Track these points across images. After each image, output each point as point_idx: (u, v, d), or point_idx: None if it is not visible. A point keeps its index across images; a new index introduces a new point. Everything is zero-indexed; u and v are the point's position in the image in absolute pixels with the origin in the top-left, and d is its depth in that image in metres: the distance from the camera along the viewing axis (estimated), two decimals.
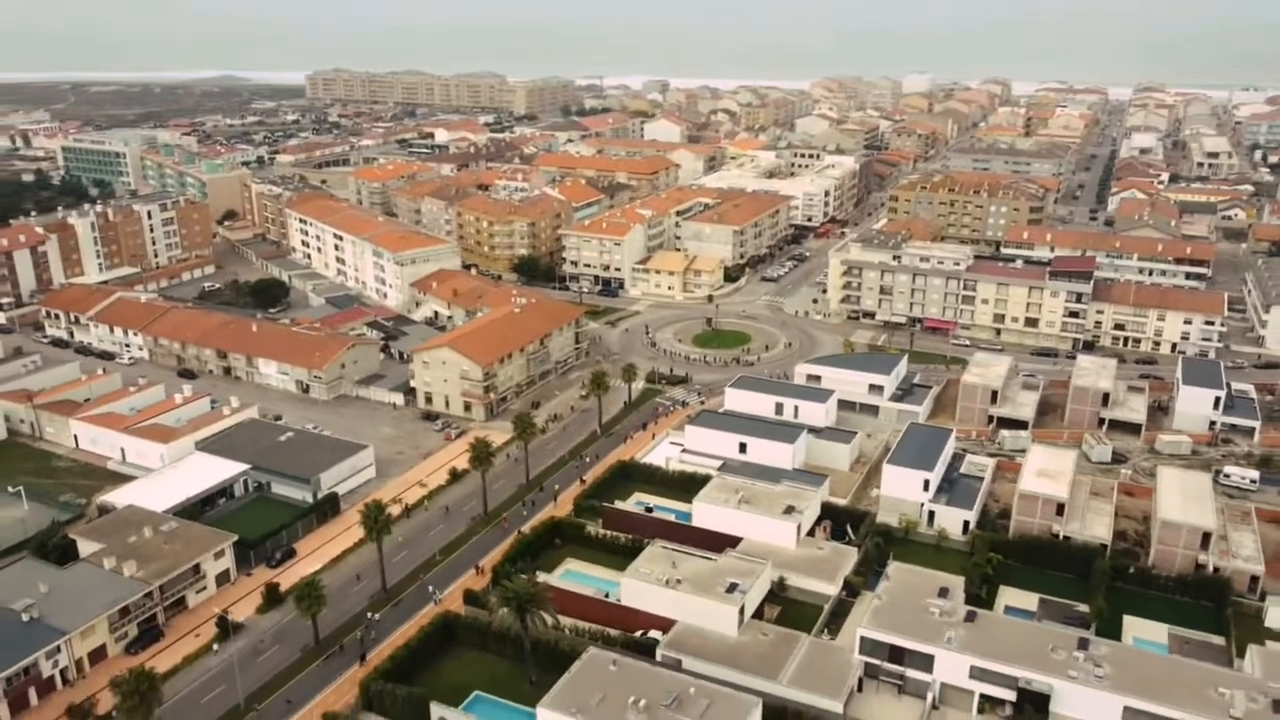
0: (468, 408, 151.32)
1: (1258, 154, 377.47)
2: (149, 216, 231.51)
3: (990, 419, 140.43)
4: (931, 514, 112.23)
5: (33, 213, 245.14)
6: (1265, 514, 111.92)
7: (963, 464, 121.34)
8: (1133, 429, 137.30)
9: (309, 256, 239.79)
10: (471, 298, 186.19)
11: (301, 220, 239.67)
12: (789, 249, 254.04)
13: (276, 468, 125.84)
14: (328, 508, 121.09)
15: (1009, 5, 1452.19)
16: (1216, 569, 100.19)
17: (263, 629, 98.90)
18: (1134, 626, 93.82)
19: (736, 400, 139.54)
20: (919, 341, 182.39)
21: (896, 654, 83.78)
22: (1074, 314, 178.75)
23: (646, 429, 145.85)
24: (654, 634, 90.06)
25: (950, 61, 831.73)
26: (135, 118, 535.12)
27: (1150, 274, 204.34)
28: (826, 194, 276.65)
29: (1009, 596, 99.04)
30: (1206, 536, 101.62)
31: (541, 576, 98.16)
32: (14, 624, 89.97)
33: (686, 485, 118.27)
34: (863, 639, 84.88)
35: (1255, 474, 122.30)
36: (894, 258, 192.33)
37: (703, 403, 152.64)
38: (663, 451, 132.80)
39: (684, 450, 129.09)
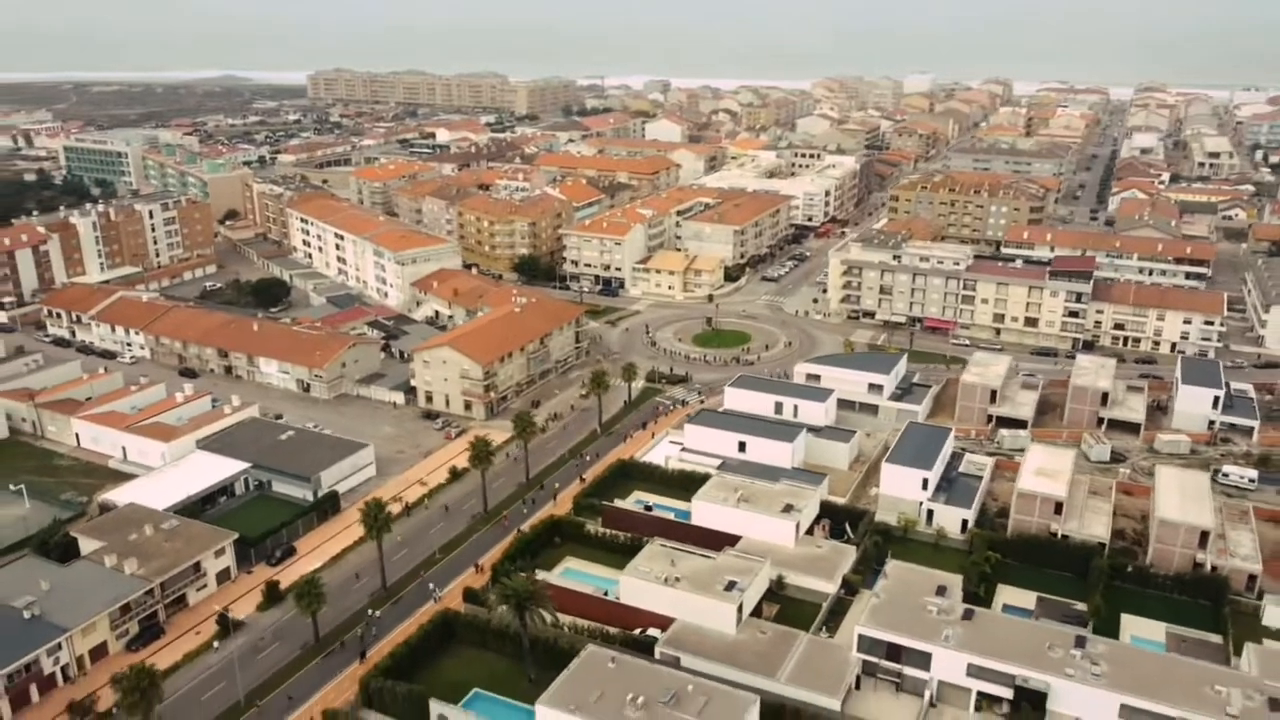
0: (468, 407, 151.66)
1: (1259, 154, 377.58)
2: (150, 216, 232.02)
3: (989, 418, 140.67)
4: (930, 513, 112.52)
5: (35, 212, 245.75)
6: (1263, 513, 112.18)
7: (961, 463, 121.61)
8: (1132, 428, 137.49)
9: (310, 256, 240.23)
10: (472, 297, 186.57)
11: (303, 220, 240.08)
12: (789, 249, 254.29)
13: (277, 466, 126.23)
14: (328, 506, 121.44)
15: (1010, 5, 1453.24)
16: (1214, 568, 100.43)
17: (263, 626, 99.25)
18: (1132, 625, 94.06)
19: (736, 399, 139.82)
20: (919, 341, 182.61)
21: (894, 652, 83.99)
22: (1073, 314, 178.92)
23: (646, 428, 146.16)
24: (653, 632, 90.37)
25: (951, 62, 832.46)
26: (137, 117, 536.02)
27: (1150, 274, 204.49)
28: (827, 194, 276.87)
29: (1007, 595, 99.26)
30: (1204, 535, 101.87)
31: (541, 575, 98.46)
32: (15, 621, 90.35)
33: (686, 484, 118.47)
34: (861, 637, 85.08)
35: (1254, 473, 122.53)
36: (894, 257, 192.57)
37: (702, 402, 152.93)
38: (662, 450, 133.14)
39: (683, 449, 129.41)
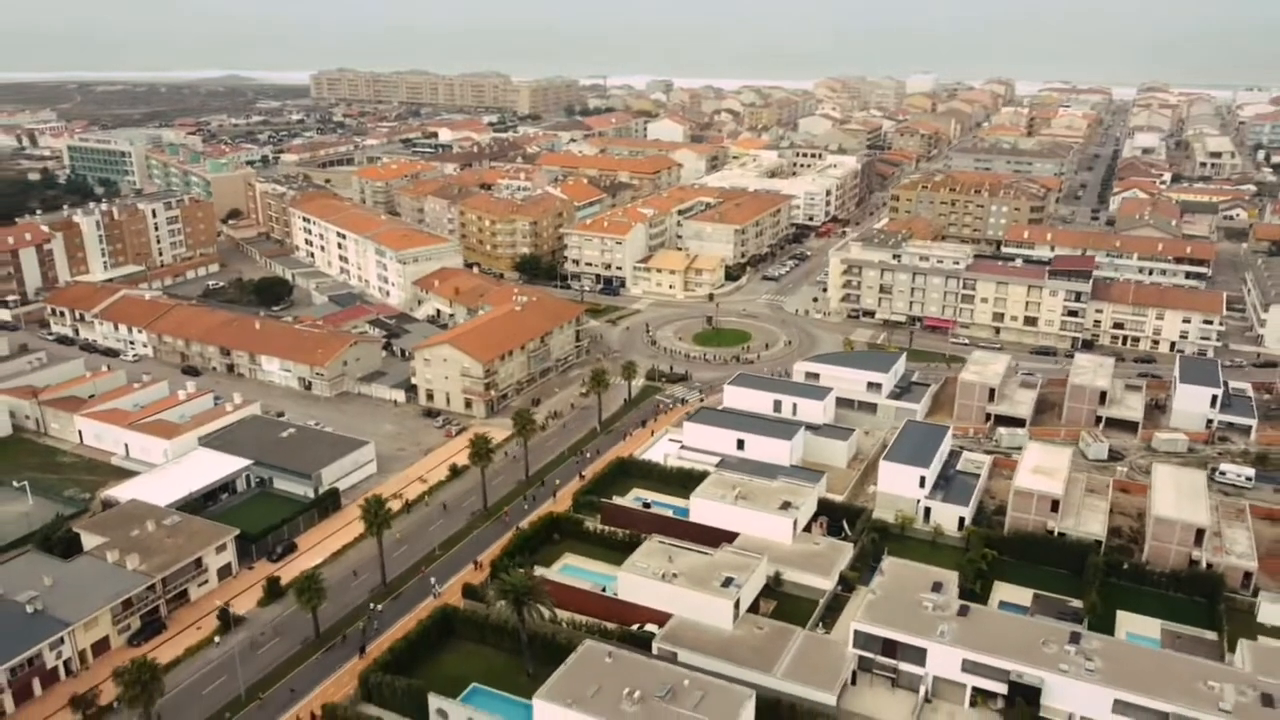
0: (468, 404, 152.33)
1: (1260, 154, 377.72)
2: (154, 215, 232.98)
3: (988, 417, 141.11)
4: (928, 510, 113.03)
5: (39, 211, 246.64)
6: (1260, 511, 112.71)
7: (959, 461, 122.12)
8: (1130, 427, 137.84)
9: (312, 255, 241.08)
10: (473, 296, 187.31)
11: (305, 219, 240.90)
12: (790, 248, 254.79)
13: (278, 463, 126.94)
14: (329, 503, 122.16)
15: (1012, 5, 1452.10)
16: (1210, 565, 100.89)
17: (264, 622, 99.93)
18: (1127, 622, 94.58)
19: (735, 397, 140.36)
20: (918, 340, 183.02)
21: (890, 647, 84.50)
22: (1073, 313, 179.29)
23: (646, 426, 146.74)
24: (651, 627, 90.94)
25: (954, 62, 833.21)
26: (141, 117, 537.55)
27: (1150, 273, 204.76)
28: (828, 193, 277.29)
29: (1004, 592, 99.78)
30: (1200, 533, 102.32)
31: (540, 571, 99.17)
32: (19, 616, 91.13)
33: (685, 481, 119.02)
34: (857, 633, 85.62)
35: (1251, 471, 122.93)
36: (894, 257, 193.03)
37: (702, 400, 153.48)
38: (662, 448, 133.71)
39: (682, 447, 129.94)
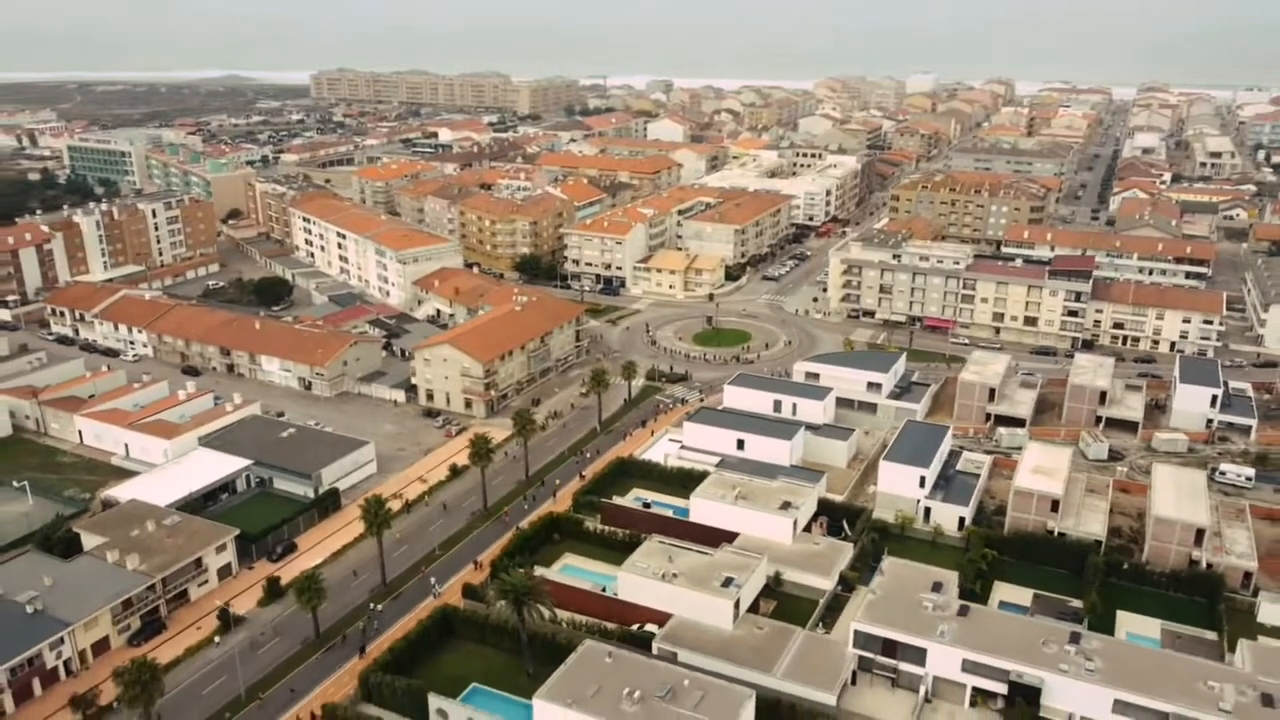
0: (468, 404, 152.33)
1: (1260, 154, 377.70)
2: (154, 215, 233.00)
3: (988, 416, 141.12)
4: (928, 510, 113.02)
5: (39, 211, 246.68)
6: (1259, 511, 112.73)
7: (959, 461, 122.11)
8: (1130, 427, 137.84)
9: (312, 255, 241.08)
10: (473, 296, 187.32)
11: (305, 219, 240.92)
12: (790, 248, 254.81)
13: (278, 463, 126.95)
14: (329, 503, 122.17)
15: (1012, 5, 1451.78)
16: (1210, 565, 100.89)
17: (264, 622, 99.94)
18: (1127, 622, 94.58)
19: (735, 397, 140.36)
20: (918, 340, 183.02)
21: (890, 647, 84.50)
22: (1073, 313, 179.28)
23: (646, 426, 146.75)
24: (650, 627, 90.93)
25: (954, 62, 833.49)
26: (141, 117, 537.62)
27: (1150, 273, 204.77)
28: (828, 193, 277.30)
29: (1004, 592, 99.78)
30: (1200, 533, 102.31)
31: (539, 571, 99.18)
32: (18, 616, 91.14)
33: (685, 481, 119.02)
34: (857, 633, 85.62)
35: (1251, 471, 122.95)
36: (894, 257, 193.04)
37: (702, 400, 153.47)
38: (662, 448, 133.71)
39: (682, 447, 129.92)
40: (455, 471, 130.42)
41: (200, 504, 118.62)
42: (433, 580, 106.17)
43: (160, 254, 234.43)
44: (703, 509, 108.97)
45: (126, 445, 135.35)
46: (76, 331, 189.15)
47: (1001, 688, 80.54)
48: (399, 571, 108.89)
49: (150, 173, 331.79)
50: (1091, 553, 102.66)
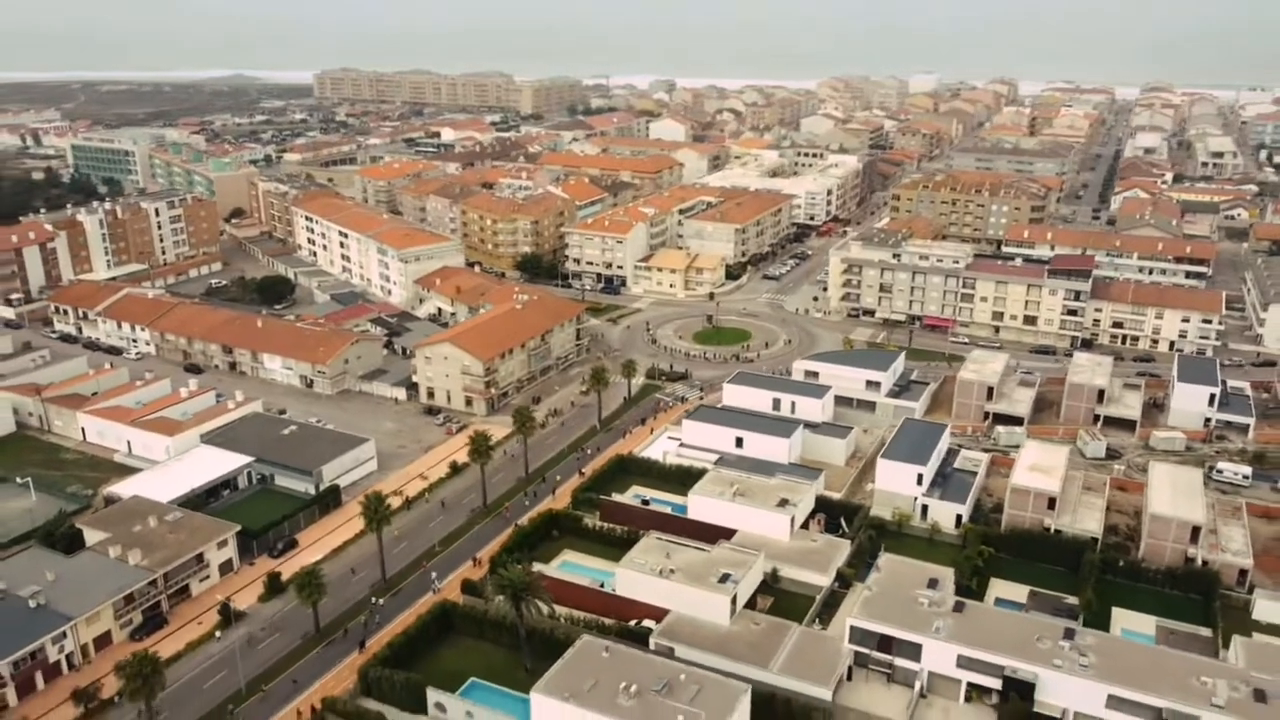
0: (469, 402, 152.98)
1: (1263, 154, 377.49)
2: (157, 214, 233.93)
3: (986, 415, 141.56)
4: (925, 508, 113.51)
5: (42, 210, 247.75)
6: (1256, 509, 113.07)
7: (957, 459, 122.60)
8: (1128, 425, 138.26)
9: (314, 254, 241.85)
10: (474, 295, 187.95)
11: (308, 218, 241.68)
12: (791, 247, 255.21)
13: (279, 460, 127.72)
14: (329, 500, 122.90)
15: (1014, 5, 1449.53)
16: (1205, 562, 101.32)
17: (264, 617, 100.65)
18: (1123, 619, 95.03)
19: (734, 396, 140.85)
20: (918, 339, 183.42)
21: (885, 643, 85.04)
22: (1072, 312, 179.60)
23: (645, 424, 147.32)
24: (648, 623, 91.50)
25: (957, 62, 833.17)
26: (145, 116, 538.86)
27: (1150, 273, 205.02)
28: (829, 193, 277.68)
29: (1000, 589, 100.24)
30: (1196, 530, 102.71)
31: (538, 567, 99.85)
32: (21, 610, 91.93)
33: (684, 479, 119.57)
34: (853, 628, 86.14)
35: (1248, 470, 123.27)
36: (894, 256, 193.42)
37: (702, 398, 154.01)
38: (661, 446, 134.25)
39: (681, 444, 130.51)
40: (455, 469, 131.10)
41: (202, 500, 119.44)
42: (433, 575, 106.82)
43: (163, 253, 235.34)
44: (701, 506, 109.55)
45: (129, 442, 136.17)
46: (80, 329, 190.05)
47: (996, 683, 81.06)
48: (399, 567, 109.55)
49: (154, 172, 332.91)
50: (1088, 550, 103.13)
